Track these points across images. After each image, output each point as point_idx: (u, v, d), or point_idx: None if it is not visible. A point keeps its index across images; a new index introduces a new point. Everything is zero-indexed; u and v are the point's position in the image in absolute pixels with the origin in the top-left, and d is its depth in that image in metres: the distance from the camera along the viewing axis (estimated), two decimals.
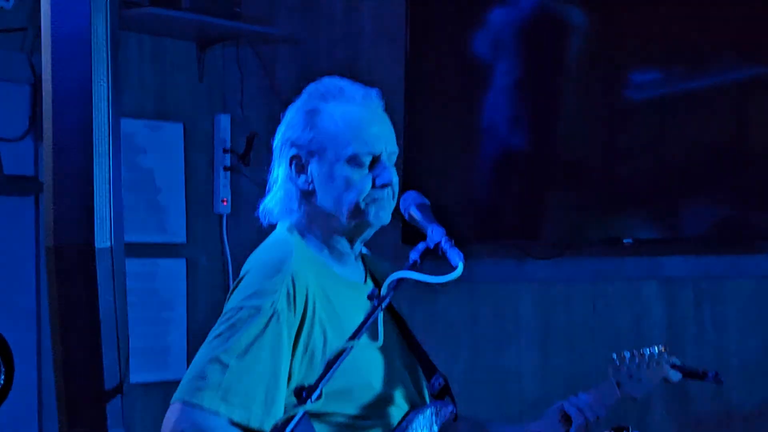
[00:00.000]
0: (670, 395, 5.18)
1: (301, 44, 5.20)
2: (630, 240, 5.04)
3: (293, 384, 2.55)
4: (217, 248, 5.13)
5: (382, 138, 2.75)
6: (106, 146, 2.48)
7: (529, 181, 5.13)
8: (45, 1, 2.48)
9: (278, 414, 2.52)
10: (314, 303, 2.65)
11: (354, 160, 2.72)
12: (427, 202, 2.76)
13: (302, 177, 2.78)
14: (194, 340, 5.02)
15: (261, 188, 5.04)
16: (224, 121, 5.13)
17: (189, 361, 4.85)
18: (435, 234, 2.63)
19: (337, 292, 2.72)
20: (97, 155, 2.46)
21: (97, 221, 2.48)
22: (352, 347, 2.44)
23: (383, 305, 2.52)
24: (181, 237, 5.00)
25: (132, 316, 4.65)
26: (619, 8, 5.07)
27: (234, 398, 2.50)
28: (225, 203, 5.11)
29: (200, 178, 5.10)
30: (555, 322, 5.23)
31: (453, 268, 2.55)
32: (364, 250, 2.90)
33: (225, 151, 5.11)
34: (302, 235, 2.77)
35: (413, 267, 2.61)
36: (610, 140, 5.18)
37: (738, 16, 5.02)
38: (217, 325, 2.64)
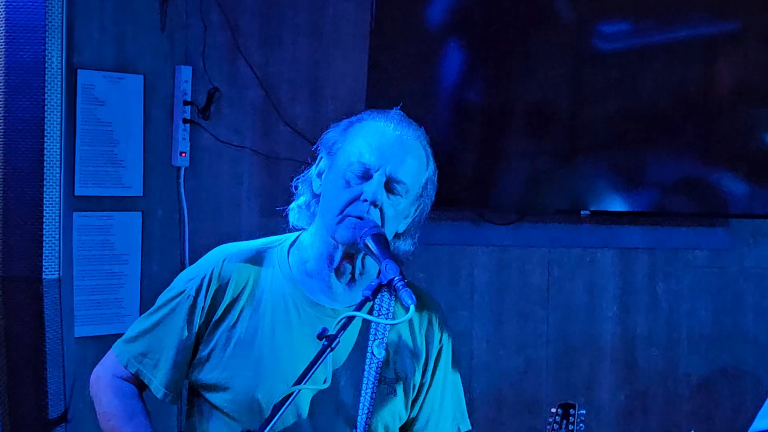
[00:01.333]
0: (618, 366, 5.24)
1: None
2: (587, 212, 5.05)
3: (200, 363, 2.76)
4: (174, 201, 5.08)
5: (389, 158, 2.69)
6: (57, 175, 2.44)
7: (488, 146, 5.11)
8: None
9: (172, 381, 2.78)
10: (236, 299, 2.75)
11: (350, 167, 2.69)
12: (383, 233, 2.67)
13: (318, 181, 2.79)
14: (148, 294, 4.99)
15: (220, 142, 5.05)
16: (185, 73, 5.04)
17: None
18: (389, 271, 2.56)
19: (290, 305, 2.75)
20: (48, 185, 2.43)
21: (45, 252, 2.45)
22: (298, 392, 2.44)
23: (333, 345, 2.49)
24: (137, 190, 4.94)
25: (86, 270, 4.68)
26: None
27: (140, 357, 2.80)
28: (183, 156, 5.05)
29: (159, 131, 5.02)
30: (509, 287, 5.25)
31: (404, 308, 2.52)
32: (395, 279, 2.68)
33: (185, 103, 5.04)
34: (294, 243, 2.82)
35: (364, 303, 2.57)
36: (577, 99, 5.16)
37: None
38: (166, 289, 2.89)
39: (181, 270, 4.98)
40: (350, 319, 2.54)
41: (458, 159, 5.08)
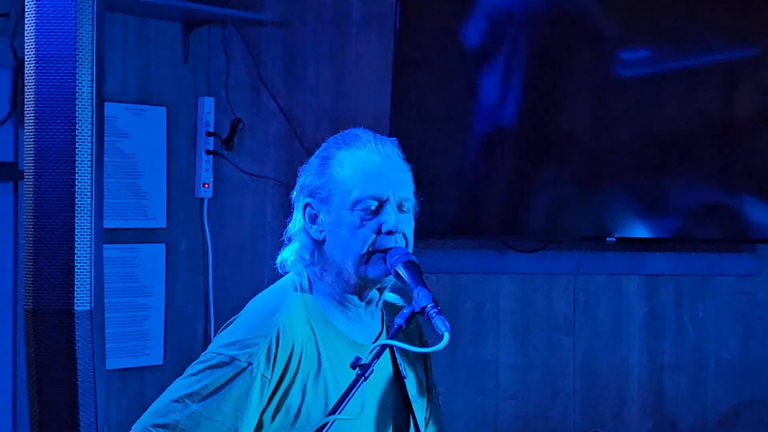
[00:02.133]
0: (646, 394, 5.20)
1: (288, 28, 5.11)
2: (612, 239, 5.02)
3: None
4: (197, 233, 5.07)
5: (390, 183, 2.65)
6: (88, 204, 2.42)
7: (514, 174, 5.08)
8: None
9: None
10: (299, 360, 2.61)
11: (358, 205, 2.64)
12: (415, 260, 2.62)
13: (314, 226, 2.70)
14: (172, 326, 4.99)
15: (243, 173, 5.04)
16: (208, 104, 5.04)
17: (166, 347, 4.88)
18: (422, 298, 2.52)
19: (335, 352, 2.67)
20: (79, 214, 2.41)
21: (77, 283, 2.43)
22: (333, 421, 2.41)
23: (366, 374, 2.46)
24: (161, 222, 4.94)
25: (110, 302, 4.67)
26: None
27: None
28: (206, 187, 5.05)
29: (182, 162, 5.02)
30: (535, 315, 5.22)
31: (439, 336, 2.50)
32: (393, 299, 2.84)
33: (208, 134, 5.04)
34: (311, 288, 2.71)
35: (398, 332, 2.54)
36: (598, 127, 5.14)
37: None
38: (194, 363, 2.61)
39: (206, 302, 5.02)
40: (383, 347, 2.51)
41: (483, 187, 5.07)
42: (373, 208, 2.64)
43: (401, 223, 2.66)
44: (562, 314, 5.21)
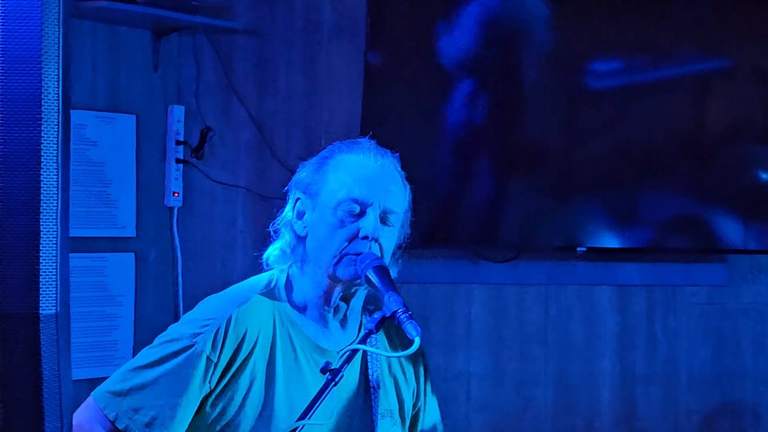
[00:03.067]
0: (618, 404, 5.19)
1: (259, 36, 5.09)
2: (583, 249, 5.02)
3: (205, 419, 2.64)
4: (167, 242, 5.03)
5: (378, 191, 2.65)
6: (54, 206, 2.38)
7: (486, 184, 5.07)
8: None
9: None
10: (251, 350, 2.64)
11: (341, 206, 2.64)
12: (385, 265, 2.63)
13: (300, 222, 2.72)
14: (141, 336, 4.94)
15: (213, 182, 5.00)
16: (178, 112, 5.00)
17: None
18: (392, 303, 2.50)
19: (292, 351, 2.68)
20: (45, 217, 2.36)
21: (42, 286, 2.38)
22: (303, 426, 2.39)
23: (337, 380, 2.44)
24: (130, 231, 4.90)
25: (79, 311, 4.63)
26: None
27: (131, 413, 2.61)
28: (176, 196, 5.01)
29: (152, 171, 4.98)
30: (507, 325, 5.20)
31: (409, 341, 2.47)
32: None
33: (178, 143, 5.00)
34: (288, 286, 2.73)
35: (367, 336, 2.53)
36: (570, 138, 5.13)
37: (698, 8, 5.00)
38: (160, 336, 2.70)
39: (176, 312, 4.98)
40: (354, 352, 2.50)
41: (455, 197, 5.05)
42: (356, 211, 2.64)
43: (380, 231, 2.65)
44: (534, 325, 5.20)
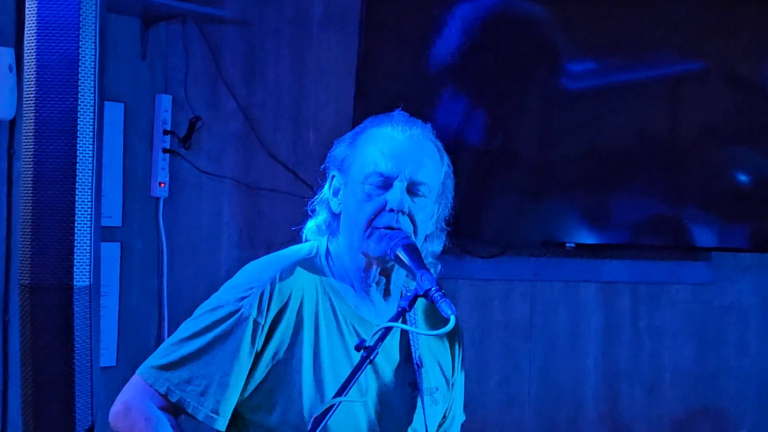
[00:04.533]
0: (601, 401, 5.19)
1: (249, 26, 5.04)
2: (572, 244, 5.01)
3: (253, 384, 2.60)
4: (153, 233, 4.97)
5: (405, 163, 2.62)
6: (89, 177, 2.34)
7: (472, 180, 5.05)
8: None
9: (224, 407, 2.57)
10: (298, 310, 2.61)
11: (368, 179, 2.62)
12: (415, 243, 2.60)
13: (335, 199, 2.72)
14: (126, 327, 4.88)
15: (200, 172, 4.95)
16: (165, 102, 4.95)
17: (120, 348, 4.76)
18: (425, 281, 2.49)
19: (334, 318, 2.66)
20: (80, 187, 2.32)
21: (77, 258, 2.34)
22: (339, 403, 2.36)
23: (372, 357, 2.41)
24: (116, 220, 4.83)
25: None
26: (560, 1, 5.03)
27: (183, 385, 2.56)
28: (163, 186, 4.95)
29: (138, 160, 4.92)
30: (492, 321, 5.18)
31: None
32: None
33: (165, 132, 4.95)
34: (327, 255, 2.72)
35: (402, 314, 2.50)
36: (549, 137, 5.13)
37: (673, 12, 5.02)
38: (198, 308, 2.65)
39: (160, 303, 4.92)
40: (388, 329, 2.46)
41: None
42: (379, 184, 2.62)
43: (408, 203, 2.62)
44: (519, 320, 5.19)
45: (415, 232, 2.65)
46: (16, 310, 2.33)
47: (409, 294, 2.52)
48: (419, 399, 2.71)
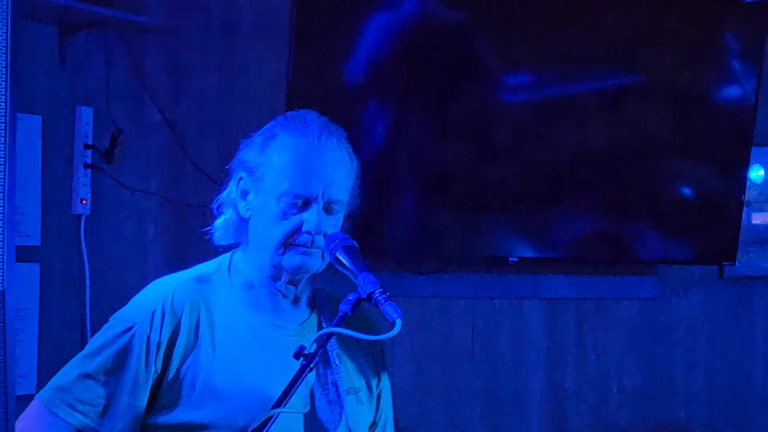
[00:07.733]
0: (547, 422, 5.06)
1: (173, 34, 4.83)
2: (515, 259, 4.88)
3: (157, 402, 2.55)
4: (74, 252, 4.74)
5: (322, 181, 2.57)
6: (1, 180, 2.15)
7: (409, 197, 4.90)
8: None
9: (113, 420, 2.52)
10: (197, 336, 2.57)
11: (284, 198, 2.56)
12: (355, 244, 2.54)
13: (243, 202, 2.65)
14: (45, 353, 4.63)
15: (124, 188, 4.73)
16: (86, 114, 4.72)
17: (39, 375, 4.50)
18: (368, 284, 2.40)
19: (249, 334, 2.59)
20: None
21: None
22: (278, 415, 2.25)
23: (312, 365, 2.30)
24: (35, 239, 4.59)
25: None
26: (494, 11, 4.91)
27: (80, 405, 2.52)
28: (84, 203, 4.72)
29: (58, 176, 4.68)
30: (432, 340, 5.03)
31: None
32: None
33: (86, 146, 4.72)
34: (233, 269, 2.68)
35: (343, 319, 2.39)
36: (486, 151, 5.00)
37: (612, 24, 4.95)
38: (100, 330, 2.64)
39: (82, 326, 4.69)
40: (329, 335, 2.39)
41: (378, 210, 4.86)
42: (299, 204, 2.57)
43: (324, 224, 2.58)
44: (461, 339, 5.04)
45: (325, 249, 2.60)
46: None
47: (351, 298, 2.44)
48: (344, 398, 2.65)
